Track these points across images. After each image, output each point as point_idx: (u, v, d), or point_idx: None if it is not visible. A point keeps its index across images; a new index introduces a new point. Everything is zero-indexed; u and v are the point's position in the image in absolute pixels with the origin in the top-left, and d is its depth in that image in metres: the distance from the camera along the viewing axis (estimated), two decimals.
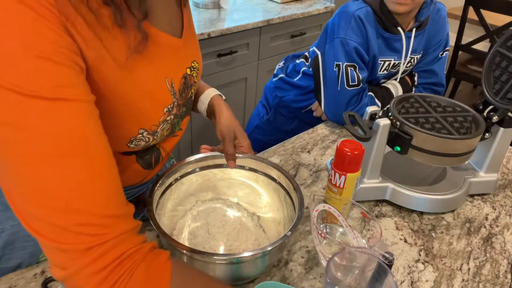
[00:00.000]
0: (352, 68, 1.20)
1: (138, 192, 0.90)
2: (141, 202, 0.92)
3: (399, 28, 1.21)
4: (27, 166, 0.46)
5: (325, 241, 0.75)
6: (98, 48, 0.53)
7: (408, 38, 1.24)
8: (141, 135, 0.68)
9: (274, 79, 1.51)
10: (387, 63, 1.26)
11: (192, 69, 0.76)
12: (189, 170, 0.83)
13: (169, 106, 0.69)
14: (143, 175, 0.82)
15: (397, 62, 1.27)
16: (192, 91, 0.79)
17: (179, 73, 0.71)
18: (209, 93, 0.91)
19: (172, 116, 0.73)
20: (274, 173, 0.83)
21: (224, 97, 0.92)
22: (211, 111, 0.91)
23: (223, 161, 0.86)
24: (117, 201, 0.52)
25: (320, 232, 0.72)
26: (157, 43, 0.63)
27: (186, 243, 0.77)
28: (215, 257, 0.64)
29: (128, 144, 0.68)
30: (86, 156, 0.49)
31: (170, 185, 0.80)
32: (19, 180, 0.47)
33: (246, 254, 0.65)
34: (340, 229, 0.78)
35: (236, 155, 0.85)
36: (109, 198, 0.50)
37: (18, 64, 0.44)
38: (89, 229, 0.48)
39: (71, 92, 0.47)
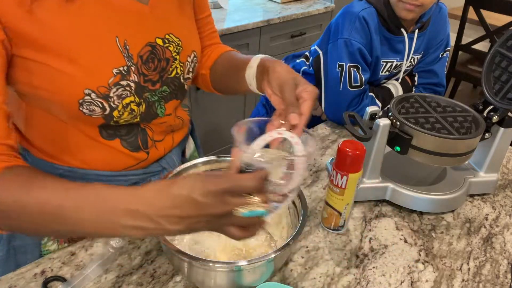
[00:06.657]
0: (355, 69, 1.19)
1: (142, 180, 0.87)
2: None
3: (402, 30, 1.21)
4: None
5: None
6: None
7: (410, 39, 1.24)
8: (89, 97, 0.67)
9: None
10: (389, 64, 1.26)
11: (167, 42, 0.74)
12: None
13: (120, 68, 0.68)
14: (136, 159, 0.81)
15: (399, 63, 1.27)
16: (174, 69, 0.77)
17: (141, 39, 0.71)
18: (258, 56, 0.78)
19: (133, 84, 0.71)
20: None
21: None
22: (262, 72, 0.75)
23: (228, 164, 0.83)
24: None
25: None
26: (108, 2, 0.66)
27: (187, 249, 0.76)
28: (216, 265, 0.63)
29: (80, 109, 0.67)
30: None
31: None
32: None
33: (247, 262, 0.63)
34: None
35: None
36: None
37: None
38: None
39: None
